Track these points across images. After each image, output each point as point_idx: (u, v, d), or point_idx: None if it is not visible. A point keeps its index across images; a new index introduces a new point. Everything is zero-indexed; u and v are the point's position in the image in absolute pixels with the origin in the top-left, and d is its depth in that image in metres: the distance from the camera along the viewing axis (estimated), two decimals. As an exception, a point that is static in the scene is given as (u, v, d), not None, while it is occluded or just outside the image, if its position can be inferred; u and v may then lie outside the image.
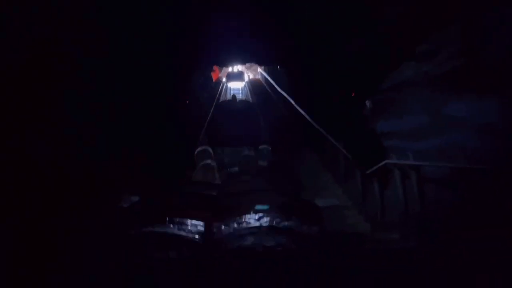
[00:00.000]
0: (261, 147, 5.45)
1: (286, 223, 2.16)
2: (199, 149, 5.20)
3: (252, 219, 2.20)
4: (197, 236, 2.37)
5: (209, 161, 4.43)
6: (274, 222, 2.13)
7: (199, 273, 2.01)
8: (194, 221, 2.55)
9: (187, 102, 15.44)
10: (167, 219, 2.47)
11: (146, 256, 2.16)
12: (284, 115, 15.39)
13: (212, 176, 4.21)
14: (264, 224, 2.14)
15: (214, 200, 2.88)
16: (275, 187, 3.45)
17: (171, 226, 2.40)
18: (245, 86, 25.49)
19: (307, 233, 2.19)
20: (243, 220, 2.25)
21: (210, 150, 5.17)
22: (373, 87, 8.12)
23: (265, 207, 2.21)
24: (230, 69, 32.03)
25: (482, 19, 4.74)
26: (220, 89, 23.29)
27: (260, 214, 2.27)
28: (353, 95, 9.96)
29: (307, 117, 11.72)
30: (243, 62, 23.63)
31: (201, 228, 2.47)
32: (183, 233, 2.36)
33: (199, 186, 3.72)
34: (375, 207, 7.89)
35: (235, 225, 2.28)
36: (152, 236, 2.33)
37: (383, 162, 6.91)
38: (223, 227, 2.41)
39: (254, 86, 24.98)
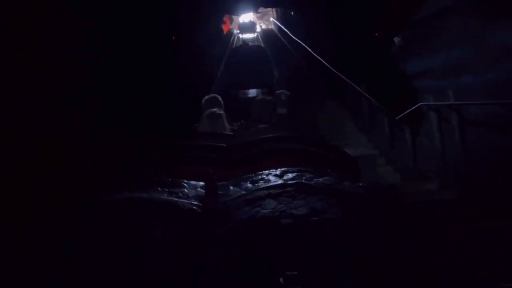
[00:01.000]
0: (278, 91, 4.71)
1: (320, 179, 1.49)
2: (206, 97, 4.47)
3: (272, 176, 1.53)
4: (194, 203, 1.73)
5: (215, 109, 3.72)
6: (303, 178, 1.47)
7: (190, 261, 1.41)
8: (193, 181, 1.91)
9: (197, 56, 14.77)
10: (154, 180, 1.85)
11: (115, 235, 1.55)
12: (302, 66, 14.52)
13: (221, 125, 3.52)
14: (290, 182, 1.47)
15: (221, 153, 2.20)
16: (298, 135, 2.75)
17: (159, 189, 1.77)
18: (257, 36, 24.48)
19: (350, 192, 1.54)
20: (260, 177, 1.57)
21: (219, 98, 4.44)
22: (401, 21, 7.15)
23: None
24: (241, 20, 30.66)
25: None
26: (232, 40, 22.29)
27: (284, 168, 1.58)
28: (376, 34, 9.00)
29: (323, 61, 10.88)
30: (254, 8, 22.43)
31: (202, 190, 1.83)
32: (174, 197, 1.72)
33: (203, 138, 3.05)
34: (406, 156, 7.20)
35: (249, 184, 1.62)
36: (126, 203, 1.70)
37: (417, 105, 6.11)
38: (231, 187, 1.75)
39: (267, 36, 23.82)
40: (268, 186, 1.48)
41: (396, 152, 7.53)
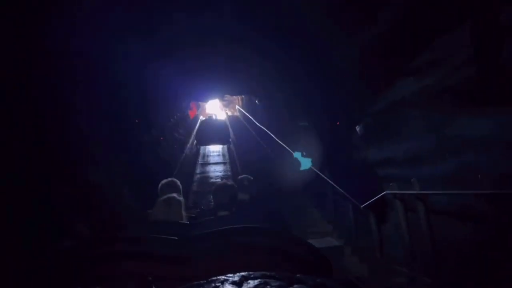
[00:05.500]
0: (241, 177, 4.46)
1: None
2: (163, 181, 4.13)
3: (228, 284, 1.18)
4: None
5: (174, 194, 3.38)
6: (269, 288, 1.14)
7: None
8: (130, 282, 1.50)
9: (162, 139, 14.71)
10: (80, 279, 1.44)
11: None
12: (267, 153, 14.70)
13: (178, 212, 3.15)
14: (251, 294, 1.12)
15: (168, 248, 1.84)
16: (259, 225, 2.44)
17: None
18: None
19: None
20: (213, 285, 1.21)
21: (178, 182, 4.11)
22: (362, 112, 7.35)
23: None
24: (208, 109, 31.33)
25: (497, 17, 4.04)
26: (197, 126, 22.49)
27: (244, 273, 1.24)
28: (337, 123, 9.22)
29: (287, 148, 10.96)
30: (220, 96, 23.13)
31: None
32: None
33: (152, 227, 2.68)
34: (373, 246, 6.94)
35: None
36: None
37: (382, 193, 6.00)
38: None
39: (232, 121, 24.35)
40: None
41: (362, 242, 7.27)
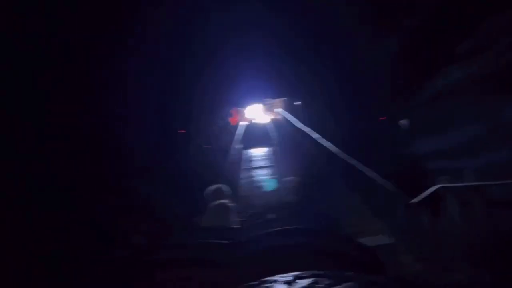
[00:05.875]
0: (286, 179, 4.48)
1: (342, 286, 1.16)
2: (211, 188, 4.23)
3: (279, 284, 1.20)
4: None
5: (223, 201, 3.46)
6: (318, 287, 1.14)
7: None
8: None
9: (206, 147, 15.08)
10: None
11: None
12: (310, 153, 14.61)
13: (227, 217, 3.22)
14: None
15: (221, 253, 1.89)
16: (307, 226, 2.44)
17: None
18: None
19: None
20: (264, 285, 1.23)
21: (225, 188, 4.20)
22: (406, 104, 7.14)
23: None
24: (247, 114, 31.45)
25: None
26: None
27: (295, 273, 1.26)
28: (384, 118, 9.01)
29: (331, 149, 10.82)
30: (260, 100, 23.28)
31: None
32: None
33: (203, 233, 2.74)
34: (426, 243, 6.68)
35: None
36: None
37: (434, 187, 5.78)
38: None
39: (274, 125, 24.34)
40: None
41: (415, 239, 7.03)
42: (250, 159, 17.74)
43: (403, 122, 7.11)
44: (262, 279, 1.34)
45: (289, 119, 20.91)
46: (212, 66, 9.90)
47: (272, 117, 30.86)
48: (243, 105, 25.47)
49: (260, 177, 14.37)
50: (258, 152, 18.56)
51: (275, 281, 1.29)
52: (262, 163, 16.62)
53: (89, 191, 4.86)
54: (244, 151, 18.81)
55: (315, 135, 13.32)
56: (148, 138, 7.32)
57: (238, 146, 19.86)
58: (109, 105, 5.94)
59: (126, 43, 6.03)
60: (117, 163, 5.96)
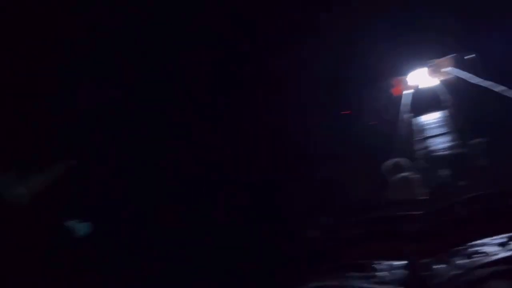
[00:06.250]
0: (473, 141, 4.06)
1: None
2: (390, 162, 4.15)
3: (491, 246, 1.14)
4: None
5: (405, 173, 3.37)
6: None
7: None
8: (386, 262, 1.58)
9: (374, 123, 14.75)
10: (341, 264, 1.60)
11: None
12: (496, 111, 12.85)
13: (411, 191, 3.14)
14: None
15: (416, 223, 1.86)
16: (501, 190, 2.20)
17: (348, 274, 1.49)
18: None
19: None
20: (473, 249, 1.18)
21: (404, 161, 4.08)
22: None
23: None
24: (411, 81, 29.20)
25: None
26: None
27: (509, 234, 1.18)
28: None
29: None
30: (423, 63, 21.35)
31: (397, 272, 1.48)
32: (368, 285, 1.42)
33: (395, 207, 2.72)
34: None
35: (460, 261, 1.21)
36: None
37: None
38: (434, 266, 1.34)
39: (444, 86, 22.08)
40: (491, 262, 1.09)
41: None
42: (422, 128, 16.53)
43: None
44: (469, 243, 1.30)
45: (461, 76, 18.70)
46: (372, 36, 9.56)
47: (441, 78, 27.98)
48: (405, 72, 23.86)
49: (438, 146, 13.31)
50: (431, 119, 17.14)
51: (484, 244, 1.24)
52: (437, 131, 15.29)
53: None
54: (414, 120, 17.63)
55: (499, 87, 11.64)
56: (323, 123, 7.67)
57: (407, 115, 18.71)
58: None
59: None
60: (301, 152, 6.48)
